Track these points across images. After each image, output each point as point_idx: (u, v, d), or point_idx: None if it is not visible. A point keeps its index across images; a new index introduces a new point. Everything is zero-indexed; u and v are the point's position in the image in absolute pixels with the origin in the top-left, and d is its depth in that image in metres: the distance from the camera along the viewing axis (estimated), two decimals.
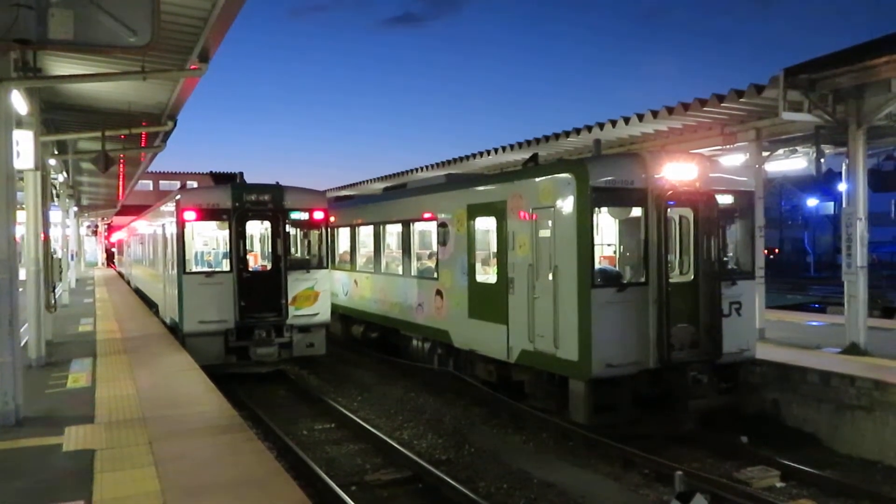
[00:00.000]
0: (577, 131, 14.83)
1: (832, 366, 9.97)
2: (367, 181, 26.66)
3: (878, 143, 13.55)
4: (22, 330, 8.98)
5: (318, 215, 14.61)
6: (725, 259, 10.29)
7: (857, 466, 8.89)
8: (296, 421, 11.33)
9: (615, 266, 10.62)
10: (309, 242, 15.30)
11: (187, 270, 13.88)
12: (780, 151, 13.65)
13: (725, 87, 12.10)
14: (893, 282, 28.94)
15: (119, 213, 48.27)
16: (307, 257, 15.15)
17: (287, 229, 14.31)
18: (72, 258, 29.06)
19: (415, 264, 14.29)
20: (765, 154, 13.24)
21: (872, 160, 22.43)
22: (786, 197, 54.84)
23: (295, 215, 14.33)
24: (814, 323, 15.25)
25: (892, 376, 9.19)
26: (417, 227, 14.27)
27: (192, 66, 9.44)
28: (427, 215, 13.52)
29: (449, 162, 20.27)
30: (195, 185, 51.76)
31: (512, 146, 17.11)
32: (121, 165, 21.57)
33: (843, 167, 11.32)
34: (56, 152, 15.67)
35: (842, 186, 11.46)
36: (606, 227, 10.86)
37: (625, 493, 8.11)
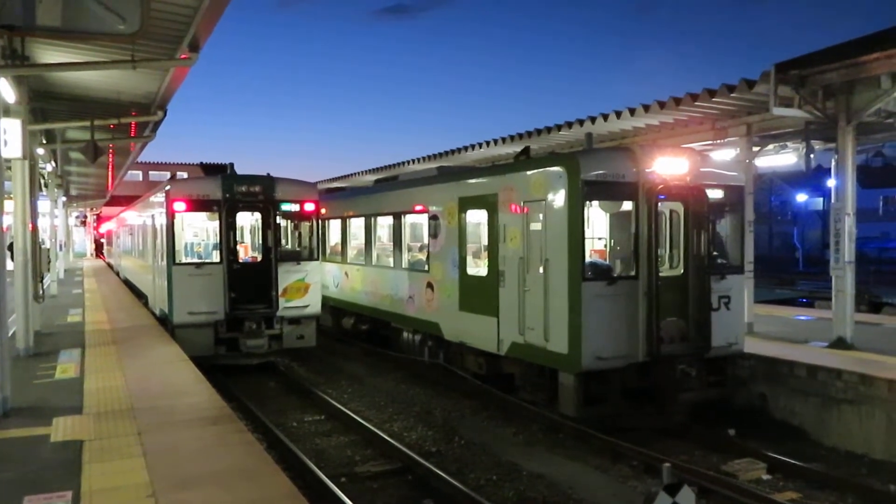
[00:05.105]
0: (569, 125, 14.83)
1: (819, 360, 10.04)
2: (359, 173, 26.56)
3: (868, 140, 13.64)
4: (10, 320, 8.92)
5: (309, 207, 14.56)
6: (715, 253, 10.34)
7: (843, 459, 8.97)
8: (286, 413, 11.33)
9: (606, 259, 10.65)
10: (300, 234, 15.26)
11: (177, 261, 13.81)
12: (770, 147, 13.73)
13: (716, 82, 12.14)
14: (880, 277, 29.11)
15: (108, 204, 47.96)
16: (298, 249, 15.12)
17: (278, 221, 14.26)
18: (60, 248, 28.86)
19: (406, 257, 14.27)
20: (755, 149, 13.30)
21: (861, 156, 22.59)
22: (775, 192, 55.03)
23: (286, 207, 14.28)
24: (802, 317, 15.36)
25: (878, 370, 9.27)
26: (408, 219, 14.25)
27: (183, 56, 9.35)
28: (418, 208, 13.50)
29: (440, 154, 20.22)
30: (185, 175, 51.56)
31: (503, 139, 17.09)
32: (110, 155, 21.40)
33: (833, 163, 11.37)
34: (44, 141, 15.53)
35: (831, 182, 11.52)
36: (597, 221, 10.88)
37: (613, 485, 8.17)
